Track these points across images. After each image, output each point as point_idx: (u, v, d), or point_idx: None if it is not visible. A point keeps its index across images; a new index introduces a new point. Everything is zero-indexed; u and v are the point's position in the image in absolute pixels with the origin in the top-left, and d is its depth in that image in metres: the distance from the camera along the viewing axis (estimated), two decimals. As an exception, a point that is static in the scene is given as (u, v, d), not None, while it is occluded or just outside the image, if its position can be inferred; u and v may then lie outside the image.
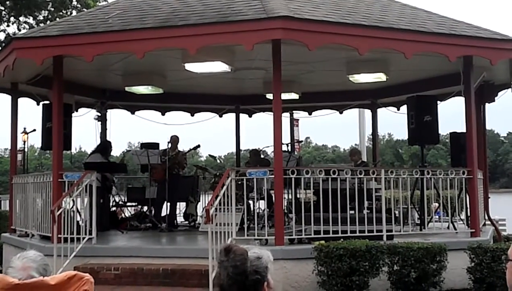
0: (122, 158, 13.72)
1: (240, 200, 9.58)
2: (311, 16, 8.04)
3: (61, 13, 20.57)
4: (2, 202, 20.71)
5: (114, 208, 12.83)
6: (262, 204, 11.09)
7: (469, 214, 9.68)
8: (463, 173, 9.27)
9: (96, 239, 8.92)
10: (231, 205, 8.19)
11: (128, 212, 13.34)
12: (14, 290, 2.67)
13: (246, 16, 7.95)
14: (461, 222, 10.72)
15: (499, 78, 11.01)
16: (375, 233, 8.46)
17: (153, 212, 12.29)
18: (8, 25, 21.50)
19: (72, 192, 8.80)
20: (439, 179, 9.33)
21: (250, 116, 14.84)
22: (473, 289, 8.07)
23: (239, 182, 9.04)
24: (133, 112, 13.70)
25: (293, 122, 18.70)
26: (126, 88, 11.33)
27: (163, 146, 12.33)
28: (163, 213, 12.11)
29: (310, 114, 14.56)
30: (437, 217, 10.71)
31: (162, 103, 13.33)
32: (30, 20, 21.40)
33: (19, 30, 21.12)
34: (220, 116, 14.58)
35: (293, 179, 8.61)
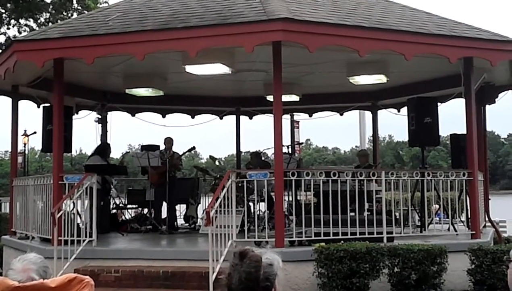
0: (121, 159, 13.72)
1: (240, 202, 9.58)
2: (311, 18, 8.04)
3: (61, 15, 20.58)
4: (3, 204, 20.72)
5: (114, 210, 12.83)
6: (263, 206, 11.09)
7: (469, 216, 9.67)
8: (464, 175, 9.27)
9: (96, 241, 8.92)
10: (231, 207, 8.20)
11: (128, 214, 13.34)
12: (14, 293, 2.67)
13: (246, 18, 7.96)
14: (462, 224, 10.72)
15: (500, 80, 11.01)
16: (375, 235, 8.46)
17: (153, 214, 12.30)
18: (8, 28, 21.52)
19: (72, 194, 8.81)
20: (440, 180, 9.33)
21: (250, 118, 14.83)
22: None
23: (240, 184, 9.03)
24: (133, 115, 13.71)
25: (294, 124, 18.70)
26: (127, 91, 11.34)
27: (163, 147, 12.35)
28: (163, 215, 12.12)
29: (310, 116, 14.56)
30: (437, 218, 10.70)
31: (163, 105, 13.33)
32: (31, 22, 21.42)
33: (20, 32, 21.12)
34: (221, 118, 14.57)
35: (293, 181, 8.61)
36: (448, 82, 10.44)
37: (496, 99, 11.67)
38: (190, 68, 9.41)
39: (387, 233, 8.60)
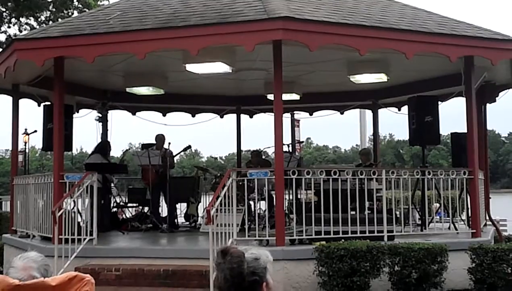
0: (122, 157, 13.71)
1: (241, 201, 9.58)
2: (311, 16, 8.04)
3: (62, 14, 20.59)
4: (3, 203, 20.76)
5: (115, 209, 12.83)
6: (263, 205, 11.09)
7: (470, 215, 9.67)
8: (464, 173, 9.27)
9: (97, 240, 8.92)
10: (232, 206, 8.19)
11: (129, 212, 13.34)
12: (14, 291, 2.67)
13: (247, 17, 7.96)
14: (462, 223, 10.72)
15: (500, 79, 11.01)
16: (376, 234, 8.46)
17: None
18: (9, 26, 21.54)
19: (73, 192, 8.81)
20: (440, 179, 9.32)
21: (251, 117, 14.84)
22: (474, 289, 8.07)
23: (240, 183, 9.03)
24: (134, 113, 13.70)
25: (294, 123, 18.69)
26: (127, 89, 11.34)
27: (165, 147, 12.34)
28: (162, 215, 12.13)
29: (311, 115, 14.56)
30: (438, 217, 10.70)
31: (163, 104, 13.34)
32: (32, 21, 21.43)
33: (21, 31, 21.14)
34: (221, 117, 14.58)
35: (294, 180, 8.61)
36: (448, 81, 10.43)
37: (497, 98, 11.68)
38: (191, 67, 9.41)
39: (388, 231, 8.60)
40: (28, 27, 21.21)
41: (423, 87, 11.30)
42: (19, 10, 20.49)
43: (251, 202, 10.86)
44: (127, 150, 15.85)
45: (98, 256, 8.68)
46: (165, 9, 8.88)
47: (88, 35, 8.41)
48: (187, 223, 12.61)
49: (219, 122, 14.94)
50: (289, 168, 9.40)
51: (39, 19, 21.23)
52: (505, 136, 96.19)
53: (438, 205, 10.88)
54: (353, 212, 8.73)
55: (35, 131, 26.92)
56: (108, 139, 12.91)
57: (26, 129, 31.45)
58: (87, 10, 18.35)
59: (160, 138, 12.15)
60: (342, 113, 14.13)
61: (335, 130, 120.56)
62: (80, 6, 21.05)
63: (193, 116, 14.29)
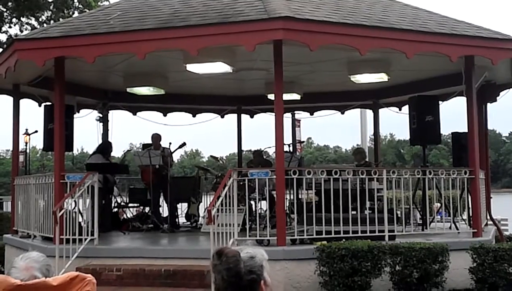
0: (123, 158, 13.71)
1: (242, 201, 9.59)
2: (312, 16, 8.04)
3: (62, 14, 20.60)
4: (4, 203, 20.76)
5: (116, 209, 12.84)
6: (264, 205, 11.09)
7: (471, 214, 9.67)
8: (465, 173, 9.27)
9: (98, 240, 8.92)
10: (233, 206, 8.19)
11: (130, 213, 13.35)
12: (16, 291, 2.67)
13: (247, 16, 7.96)
14: (463, 222, 10.71)
15: (501, 78, 11.01)
16: (377, 233, 8.46)
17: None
18: (10, 26, 21.55)
19: (74, 193, 8.81)
20: (441, 179, 9.32)
21: (251, 117, 14.84)
22: (475, 289, 8.06)
23: (241, 183, 9.03)
24: (134, 113, 13.70)
25: (295, 123, 18.68)
26: (128, 89, 11.34)
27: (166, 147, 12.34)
28: (163, 215, 12.13)
29: (311, 114, 14.56)
30: (439, 217, 10.70)
31: (164, 104, 13.34)
32: (32, 21, 21.44)
33: (21, 31, 21.15)
34: (222, 117, 14.57)
35: (295, 179, 8.61)
36: (449, 81, 10.43)
37: (498, 98, 11.68)
38: (191, 67, 9.41)
39: (389, 231, 8.59)
40: (29, 27, 21.23)
41: (423, 87, 11.30)
42: (20, 10, 20.51)
43: (252, 202, 10.86)
44: (128, 150, 15.87)
45: (99, 256, 8.68)
46: (166, 9, 8.88)
47: (88, 35, 8.41)
48: (188, 223, 12.61)
49: (220, 122, 14.95)
50: (290, 167, 9.39)
51: (40, 19, 21.25)
52: (506, 136, 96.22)
53: (439, 204, 10.86)
54: (354, 212, 8.73)
55: (36, 131, 26.93)
56: (109, 140, 12.92)
57: (27, 130, 31.45)
58: (87, 10, 18.36)
59: (156, 137, 12.14)
60: (342, 113, 14.13)
61: (335, 130, 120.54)
62: (81, 6, 21.06)
63: (194, 116, 14.28)
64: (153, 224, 11.85)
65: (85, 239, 8.67)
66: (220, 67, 9.33)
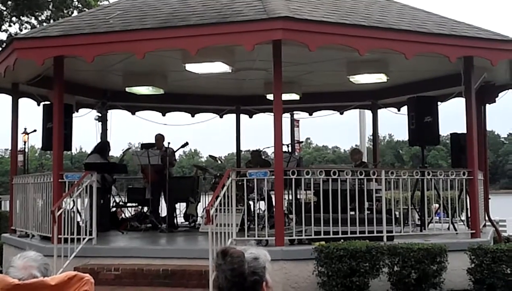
0: (122, 157, 13.69)
1: (240, 201, 9.58)
2: (311, 16, 8.04)
3: (62, 13, 20.60)
4: (3, 202, 20.72)
5: (114, 209, 12.83)
6: (263, 205, 11.10)
7: (469, 215, 9.68)
8: (464, 174, 9.27)
9: (96, 239, 8.92)
10: (231, 206, 8.19)
11: (128, 212, 13.34)
12: (14, 291, 2.67)
13: (246, 16, 7.96)
14: (462, 223, 10.72)
15: (500, 79, 11.01)
16: (375, 234, 8.46)
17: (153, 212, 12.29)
18: (10, 25, 21.55)
19: (72, 192, 8.81)
20: (440, 179, 9.33)
21: (250, 117, 14.84)
22: (473, 290, 8.06)
23: (240, 183, 9.03)
24: (133, 113, 13.70)
25: (294, 123, 18.72)
26: (127, 89, 11.34)
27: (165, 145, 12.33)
28: (162, 214, 12.12)
29: (310, 115, 14.57)
30: (437, 218, 10.70)
31: (163, 104, 13.33)
32: (32, 20, 21.44)
33: (21, 30, 21.15)
34: (221, 117, 14.58)
35: (293, 180, 8.61)
36: (448, 82, 10.43)
37: (496, 99, 11.68)
38: (190, 67, 9.41)
39: (387, 232, 8.60)
40: (28, 26, 21.22)
41: (422, 87, 11.30)
42: (19, 9, 20.50)
43: (251, 202, 10.86)
44: (127, 150, 15.85)
45: (97, 256, 8.67)
46: (165, 8, 8.87)
47: (87, 35, 8.40)
48: (187, 222, 12.61)
49: (219, 122, 14.95)
50: (288, 168, 9.39)
51: (40, 19, 21.24)
52: (505, 137, 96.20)
53: (437, 205, 10.88)
54: (352, 212, 8.73)
55: (35, 130, 26.94)
56: (108, 139, 12.91)
57: (25, 129, 31.47)
58: (87, 10, 18.36)
59: (160, 138, 12.15)
60: (341, 113, 14.14)
61: (334, 130, 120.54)
62: (80, 5, 21.06)
63: (193, 116, 14.29)
64: (152, 223, 11.85)
65: (83, 239, 8.66)
66: (219, 67, 9.33)
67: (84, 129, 14.31)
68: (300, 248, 8.18)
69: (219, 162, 17.29)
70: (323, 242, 7.88)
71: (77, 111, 12.59)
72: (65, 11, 20.84)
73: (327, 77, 11.79)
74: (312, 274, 7.71)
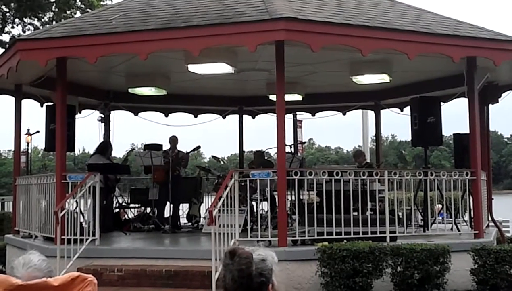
0: (125, 158, 13.70)
1: (243, 201, 9.58)
2: (314, 17, 8.03)
3: (65, 14, 20.64)
4: (6, 203, 20.76)
5: (117, 210, 12.84)
6: (265, 206, 11.09)
7: (472, 216, 9.66)
8: (467, 174, 9.25)
9: (99, 240, 8.93)
10: (234, 206, 8.19)
11: (131, 213, 13.35)
12: (17, 292, 2.67)
13: (249, 17, 7.96)
14: (465, 224, 10.69)
15: (503, 79, 10.99)
16: (378, 235, 8.45)
17: (156, 213, 12.30)
18: (13, 27, 21.59)
19: (75, 193, 8.82)
20: (443, 180, 9.31)
21: (253, 117, 14.84)
22: (477, 290, 8.05)
23: (242, 183, 9.02)
24: (136, 114, 13.71)
25: (296, 124, 18.69)
26: (130, 90, 11.35)
27: (167, 147, 12.34)
28: (166, 215, 12.12)
29: (313, 115, 14.57)
30: (440, 218, 10.68)
31: (165, 104, 13.34)
32: (35, 21, 21.47)
33: (24, 31, 21.19)
34: (223, 117, 14.58)
35: (296, 180, 8.61)
36: (451, 82, 10.42)
37: (500, 99, 11.66)
38: (193, 68, 9.42)
39: (390, 232, 8.59)
40: (31, 27, 21.26)
41: (425, 88, 11.29)
42: (22, 10, 20.54)
43: (254, 203, 10.86)
44: (131, 151, 15.86)
45: (100, 257, 8.68)
46: (168, 9, 8.88)
47: (90, 36, 8.41)
48: (189, 223, 12.61)
49: (222, 123, 14.95)
50: (291, 168, 9.39)
51: (43, 20, 21.27)
52: (508, 137, 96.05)
53: (440, 206, 10.85)
54: (355, 213, 8.72)
55: (38, 131, 27.00)
56: (110, 140, 12.92)
57: (28, 130, 31.52)
58: (89, 11, 18.38)
59: (173, 139, 12.15)
60: (344, 114, 14.13)
61: (337, 131, 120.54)
62: (83, 6, 21.10)
63: (196, 117, 14.29)
64: (155, 224, 11.86)
65: (87, 240, 8.67)
66: (222, 68, 9.33)
67: (87, 131, 14.34)
68: (303, 249, 8.18)
69: (222, 162, 17.29)
70: (326, 243, 7.87)
71: (80, 112, 12.61)
72: (68, 12, 20.87)
73: (329, 78, 11.79)
74: (315, 275, 7.71)
